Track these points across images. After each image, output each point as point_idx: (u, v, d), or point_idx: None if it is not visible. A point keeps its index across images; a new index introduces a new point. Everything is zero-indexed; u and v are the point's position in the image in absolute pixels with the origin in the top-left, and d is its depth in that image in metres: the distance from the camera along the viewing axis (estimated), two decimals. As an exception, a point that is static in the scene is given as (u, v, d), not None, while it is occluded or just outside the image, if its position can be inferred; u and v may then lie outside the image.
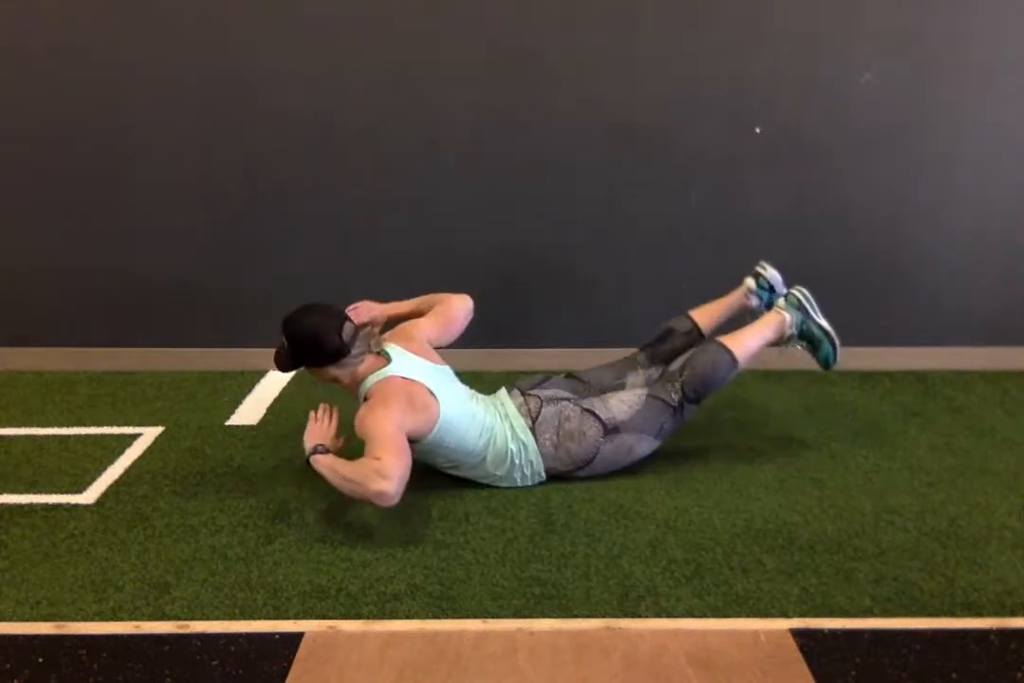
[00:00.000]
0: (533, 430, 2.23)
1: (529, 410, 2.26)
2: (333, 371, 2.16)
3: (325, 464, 2.02)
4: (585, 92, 2.83)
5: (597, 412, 2.26)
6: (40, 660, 1.61)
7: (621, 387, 2.41)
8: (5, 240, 3.02)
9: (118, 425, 2.68)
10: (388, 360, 2.18)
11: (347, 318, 2.18)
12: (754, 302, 2.51)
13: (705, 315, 2.52)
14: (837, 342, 2.39)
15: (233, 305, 3.09)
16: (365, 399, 2.12)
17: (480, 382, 2.96)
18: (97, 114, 2.86)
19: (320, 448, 2.05)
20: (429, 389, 2.15)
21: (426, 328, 2.34)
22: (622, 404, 2.28)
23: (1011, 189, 2.93)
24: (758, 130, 2.86)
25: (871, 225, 2.97)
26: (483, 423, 2.22)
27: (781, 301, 2.44)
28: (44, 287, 3.08)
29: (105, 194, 2.96)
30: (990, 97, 2.82)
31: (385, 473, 1.90)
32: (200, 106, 2.85)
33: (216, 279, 3.06)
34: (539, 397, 2.30)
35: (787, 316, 2.38)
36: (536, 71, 2.81)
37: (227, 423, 2.70)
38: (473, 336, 3.11)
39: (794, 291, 2.43)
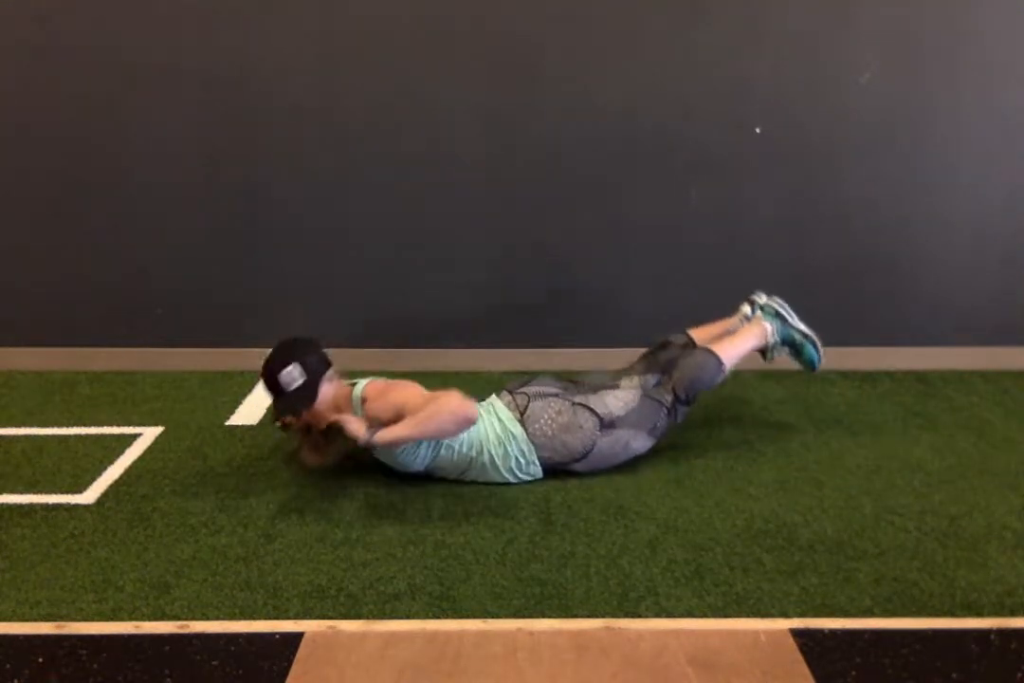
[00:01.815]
0: (522, 422, 2.28)
1: (517, 405, 2.33)
2: (325, 385, 2.25)
3: (392, 431, 2.11)
4: (585, 92, 2.83)
5: (592, 406, 2.31)
6: (40, 660, 1.61)
7: (615, 388, 2.44)
8: (5, 240, 3.02)
9: (118, 425, 2.68)
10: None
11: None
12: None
13: (701, 333, 2.60)
14: (819, 343, 2.51)
15: (233, 305, 3.09)
16: (363, 401, 2.23)
17: (480, 382, 2.99)
18: (97, 113, 2.86)
19: (372, 429, 2.13)
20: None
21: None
22: (617, 401, 2.34)
23: (1011, 189, 2.92)
24: (758, 130, 2.86)
25: (871, 225, 2.97)
26: None
27: (759, 312, 2.56)
28: (44, 287, 3.07)
29: (105, 193, 2.96)
30: (990, 97, 2.82)
31: (441, 396, 2.11)
32: (201, 106, 2.85)
33: (216, 279, 3.06)
34: (526, 394, 2.36)
35: (768, 326, 2.51)
36: (536, 71, 2.81)
37: (227, 423, 2.70)
38: (473, 336, 3.13)
39: (770, 301, 2.56)
